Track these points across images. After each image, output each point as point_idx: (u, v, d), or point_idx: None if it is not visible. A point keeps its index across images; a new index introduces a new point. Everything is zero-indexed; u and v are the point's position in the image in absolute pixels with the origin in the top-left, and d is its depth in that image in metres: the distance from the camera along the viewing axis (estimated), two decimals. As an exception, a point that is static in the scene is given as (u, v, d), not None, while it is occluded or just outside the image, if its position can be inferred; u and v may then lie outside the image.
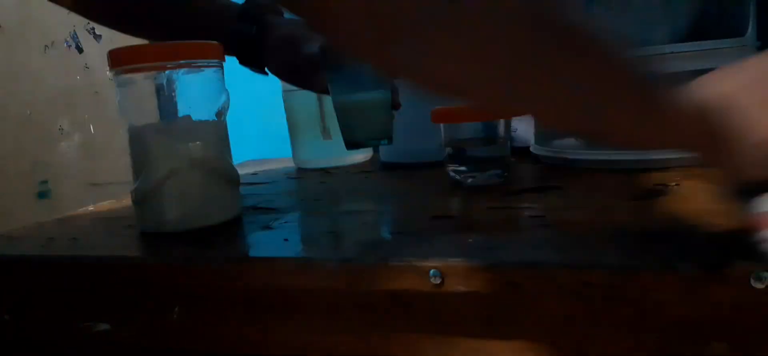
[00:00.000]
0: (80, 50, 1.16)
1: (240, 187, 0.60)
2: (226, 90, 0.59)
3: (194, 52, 0.56)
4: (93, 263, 0.50)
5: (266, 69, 0.66)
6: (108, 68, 0.55)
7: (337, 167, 0.90)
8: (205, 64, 0.56)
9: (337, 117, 0.61)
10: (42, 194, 1.16)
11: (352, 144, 0.63)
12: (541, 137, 0.75)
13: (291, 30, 0.63)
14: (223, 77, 0.59)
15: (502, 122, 0.64)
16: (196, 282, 0.47)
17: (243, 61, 0.66)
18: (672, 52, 0.60)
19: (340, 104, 0.61)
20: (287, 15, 0.67)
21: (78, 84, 1.15)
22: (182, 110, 0.57)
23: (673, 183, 0.55)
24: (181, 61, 0.55)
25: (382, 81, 0.60)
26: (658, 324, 0.37)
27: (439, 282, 0.39)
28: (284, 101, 0.95)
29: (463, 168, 0.65)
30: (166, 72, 0.55)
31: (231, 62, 0.60)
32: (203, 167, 0.55)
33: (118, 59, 0.54)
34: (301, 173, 0.91)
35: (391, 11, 0.27)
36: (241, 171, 0.60)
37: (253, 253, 0.47)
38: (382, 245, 0.44)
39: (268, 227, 0.54)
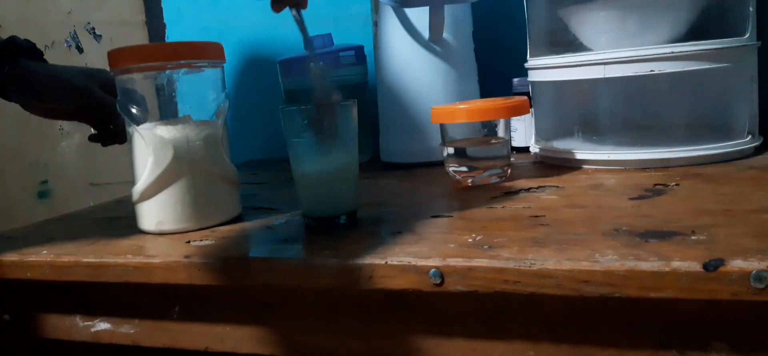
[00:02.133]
0: (80, 50, 1.16)
1: (240, 187, 0.60)
2: (226, 91, 0.59)
3: (194, 52, 0.56)
4: (93, 264, 0.50)
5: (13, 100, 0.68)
6: (108, 68, 0.55)
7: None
8: (205, 64, 0.57)
9: (298, 188, 0.54)
10: (42, 194, 1.16)
11: (313, 219, 0.53)
12: (541, 136, 0.75)
13: (51, 76, 0.67)
14: (224, 77, 0.59)
15: (502, 121, 0.64)
16: (196, 282, 0.47)
17: None
18: (672, 52, 0.60)
19: (303, 174, 0.52)
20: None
21: (78, 84, 1.15)
22: (182, 110, 0.57)
23: (673, 183, 0.55)
24: (181, 62, 0.55)
25: (349, 148, 0.52)
26: (658, 324, 0.37)
27: (439, 282, 0.39)
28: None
29: (463, 168, 0.65)
30: (166, 72, 0.55)
31: (231, 62, 0.60)
32: (203, 167, 0.55)
33: (119, 59, 0.54)
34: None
35: None
36: (241, 171, 0.60)
37: (253, 253, 0.47)
38: (382, 245, 0.44)
39: (268, 227, 0.54)
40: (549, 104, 0.73)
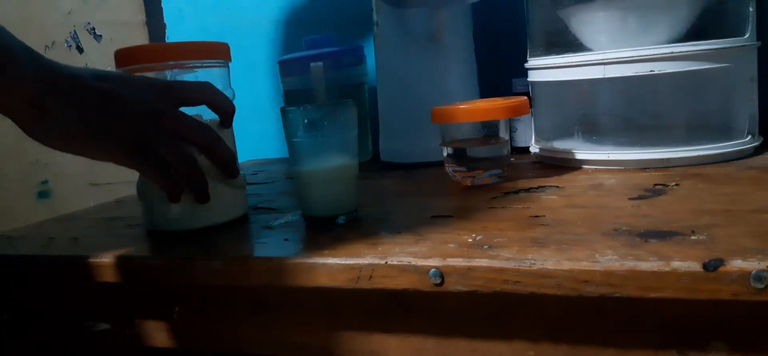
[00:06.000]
0: (80, 50, 1.16)
1: (244, 187, 0.60)
2: (232, 89, 0.59)
3: (199, 52, 0.56)
4: (93, 263, 0.50)
5: None
6: (112, 68, 0.55)
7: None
8: (210, 64, 0.56)
9: (298, 188, 0.54)
10: (42, 194, 1.15)
11: (313, 219, 0.54)
12: (541, 136, 0.75)
13: None
14: (229, 77, 0.59)
15: (502, 122, 0.64)
16: (196, 282, 0.47)
17: None
18: (672, 52, 0.60)
19: (303, 174, 0.52)
20: None
21: (78, 84, 1.15)
22: (190, 110, 0.57)
23: (673, 183, 0.55)
24: (191, 62, 0.55)
25: (349, 148, 0.53)
26: (658, 324, 0.37)
27: (439, 282, 0.39)
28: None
29: (463, 168, 0.65)
30: (175, 72, 0.55)
31: (233, 62, 0.60)
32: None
33: (124, 59, 0.54)
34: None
35: None
36: (240, 171, 0.60)
37: (253, 253, 0.47)
38: (382, 245, 0.44)
39: (268, 227, 0.54)
40: (549, 104, 0.73)
